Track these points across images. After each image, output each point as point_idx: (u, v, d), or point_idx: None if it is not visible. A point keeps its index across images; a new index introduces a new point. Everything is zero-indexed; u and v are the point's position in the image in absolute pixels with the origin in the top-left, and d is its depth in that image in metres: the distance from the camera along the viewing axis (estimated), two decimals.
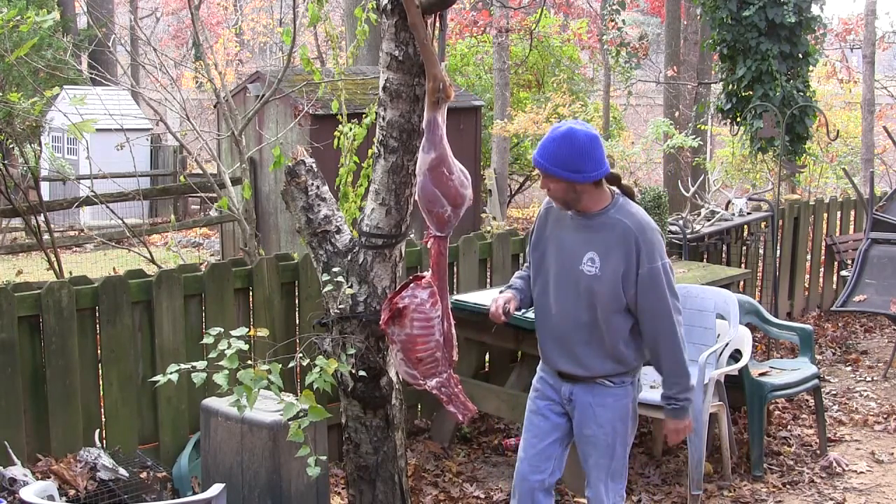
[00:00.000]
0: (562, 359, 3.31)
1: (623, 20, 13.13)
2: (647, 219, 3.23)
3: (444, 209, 3.16)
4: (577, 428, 3.34)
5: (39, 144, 8.65)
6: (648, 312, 3.17)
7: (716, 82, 12.16)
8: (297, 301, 4.67)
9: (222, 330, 3.03)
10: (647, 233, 3.17)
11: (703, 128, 13.34)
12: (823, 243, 8.04)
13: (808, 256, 8.09)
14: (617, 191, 3.31)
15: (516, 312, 3.39)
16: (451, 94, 3.13)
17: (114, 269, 8.60)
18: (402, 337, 3.18)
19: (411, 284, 3.20)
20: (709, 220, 6.72)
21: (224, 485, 3.41)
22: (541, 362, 3.48)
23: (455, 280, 5.27)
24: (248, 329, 3.06)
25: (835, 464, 4.92)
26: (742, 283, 6.61)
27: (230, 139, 5.80)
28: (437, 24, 3.23)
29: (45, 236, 6.43)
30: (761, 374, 4.99)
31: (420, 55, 3.28)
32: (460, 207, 3.22)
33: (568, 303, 3.25)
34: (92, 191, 6.30)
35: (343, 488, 4.29)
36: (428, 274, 3.22)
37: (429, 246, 3.26)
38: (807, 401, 5.76)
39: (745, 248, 7.22)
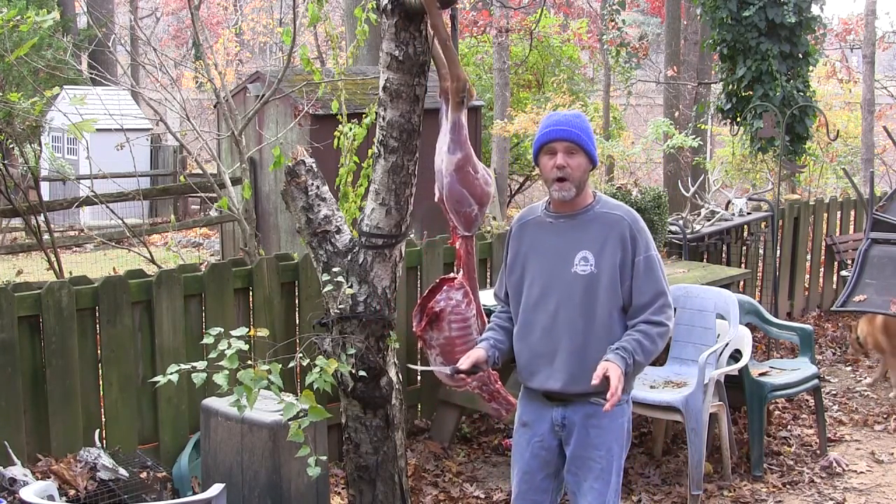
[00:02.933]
0: (551, 377, 3.08)
1: (623, 20, 13.11)
2: (635, 212, 3.16)
3: (472, 208, 3.14)
4: (571, 451, 3.13)
5: (39, 144, 8.64)
6: (644, 294, 3.02)
7: (716, 82, 12.15)
8: (297, 301, 4.67)
9: (222, 330, 3.03)
10: (640, 223, 3.10)
11: (703, 128, 13.33)
12: (823, 243, 8.04)
13: (808, 256, 8.09)
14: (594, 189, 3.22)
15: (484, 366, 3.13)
16: (475, 94, 3.11)
17: (114, 269, 8.59)
18: (441, 341, 3.11)
19: (444, 287, 3.14)
20: (709, 220, 6.72)
21: (224, 485, 3.41)
22: (523, 391, 3.25)
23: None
24: (248, 329, 3.06)
25: (835, 464, 4.92)
26: (742, 283, 6.61)
27: (230, 139, 5.80)
28: (450, 25, 3.22)
29: (45, 236, 6.43)
30: (761, 374, 4.99)
31: (420, 56, 3.29)
32: (486, 206, 3.20)
33: (560, 311, 3.05)
34: (92, 191, 6.30)
35: (343, 488, 4.28)
36: (460, 274, 3.18)
37: (456, 246, 3.23)
38: (807, 401, 5.76)
39: (745, 248, 7.22)
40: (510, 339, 3.21)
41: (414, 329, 3.34)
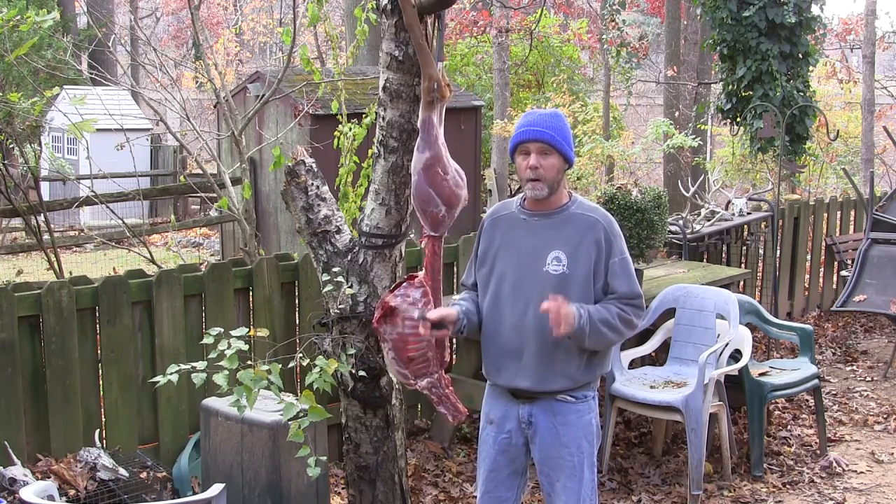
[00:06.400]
0: (518, 374, 3.09)
1: (623, 20, 13.10)
2: (610, 215, 3.18)
3: (439, 209, 3.15)
4: (540, 451, 3.14)
5: (39, 144, 8.66)
6: (620, 289, 3.05)
7: (716, 82, 12.14)
8: (297, 301, 4.67)
9: (222, 330, 3.03)
10: (615, 226, 3.12)
11: (703, 128, 13.33)
12: (823, 243, 8.04)
13: (808, 256, 8.09)
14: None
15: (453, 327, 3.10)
16: (447, 94, 3.11)
17: (114, 269, 8.60)
18: (394, 336, 3.13)
19: (404, 283, 3.18)
20: (709, 220, 6.72)
21: (224, 485, 3.41)
22: (489, 387, 3.26)
23: (455, 280, 5.26)
24: (248, 329, 3.06)
25: (835, 464, 4.92)
26: (742, 283, 6.61)
27: (230, 139, 5.81)
28: (436, 24, 3.23)
29: (45, 236, 6.43)
30: (761, 374, 4.99)
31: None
32: (455, 208, 3.19)
33: (530, 309, 3.04)
34: (92, 191, 6.30)
35: (343, 488, 4.29)
36: (421, 273, 3.20)
37: (423, 246, 3.25)
38: (807, 401, 5.76)
39: (745, 248, 7.22)
40: (480, 316, 3.20)
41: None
